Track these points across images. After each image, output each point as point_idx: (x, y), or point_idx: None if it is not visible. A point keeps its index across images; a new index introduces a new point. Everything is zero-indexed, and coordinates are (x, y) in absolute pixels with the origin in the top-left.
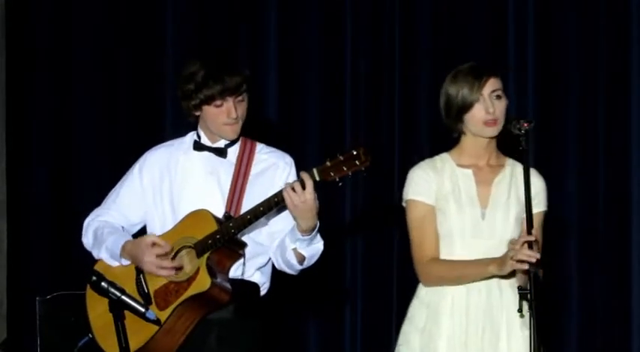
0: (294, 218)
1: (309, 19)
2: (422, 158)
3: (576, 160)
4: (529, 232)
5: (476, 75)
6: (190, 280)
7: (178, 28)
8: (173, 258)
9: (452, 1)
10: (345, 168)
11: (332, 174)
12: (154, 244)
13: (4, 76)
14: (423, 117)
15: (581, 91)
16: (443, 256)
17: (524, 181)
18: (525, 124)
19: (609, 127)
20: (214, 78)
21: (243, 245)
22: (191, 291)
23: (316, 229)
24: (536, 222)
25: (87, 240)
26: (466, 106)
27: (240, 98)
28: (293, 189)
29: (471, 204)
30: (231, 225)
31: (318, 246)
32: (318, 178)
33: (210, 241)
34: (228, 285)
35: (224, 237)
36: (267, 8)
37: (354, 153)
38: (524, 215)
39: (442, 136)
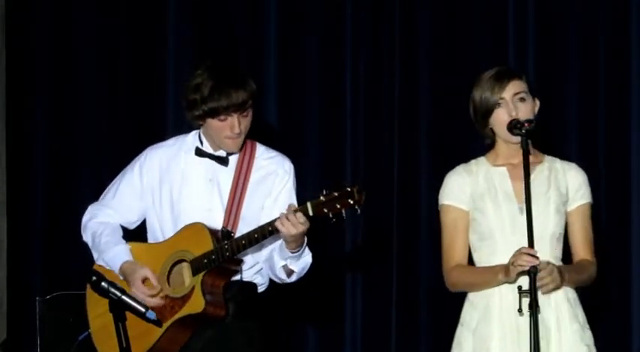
0: (285, 241)
1: (309, 20)
2: (422, 163)
3: (576, 160)
4: (530, 238)
5: (497, 78)
6: (185, 298)
7: (179, 27)
8: (170, 271)
9: (452, 2)
10: (338, 206)
11: (325, 210)
12: (145, 279)
13: (4, 76)
14: (423, 116)
15: (581, 91)
16: (487, 257)
17: (524, 181)
18: (526, 124)
19: (609, 127)
20: (220, 92)
21: (239, 262)
22: (185, 311)
23: (304, 244)
24: (582, 214)
25: (86, 239)
26: (488, 109)
27: (245, 113)
28: (287, 219)
29: (507, 201)
30: (226, 247)
31: (306, 259)
32: (311, 213)
33: (205, 260)
34: (223, 300)
35: (219, 259)
36: (267, 8)
37: (348, 190)
38: (567, 208)
39: (442, 139)
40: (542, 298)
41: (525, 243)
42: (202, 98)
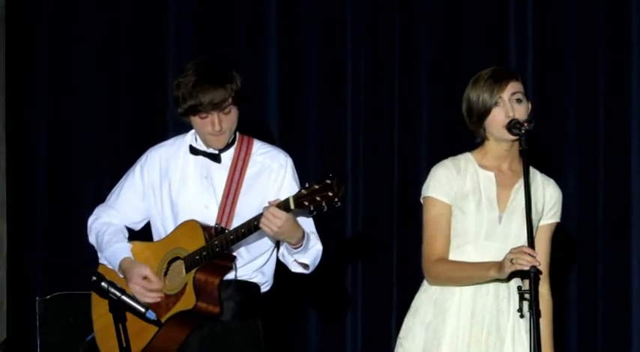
0: (275, 239)
1: (309, 18)
2: (422, 163)
3: (576, 161)
4: (530, 238)
5: (496, 78)
6: (179, 295)
7: (179, 27)
8: (167, 268)
9: (452, 2)
10: (318, 199)
11: (306, 203)
12: (145, 277)
13: (4, 76)
14: (423, 114)
15: (581, 91)
16: (454, 254)
17: (524, 182)
18: (525, 125)
19: (609, 127)
20: (199, 89)
21: (232, 259)
22: (178, 308)
23: (305, 237)
24: (549, 233)
25: (91, 240)
26: (486, 110)
27: (225, 111)
28: (268, 219)
29: (489, 207)
30: (216, 243)
31: (316, 248)
32: (292, 206)
33: (197, 257)
34: (217, 297)
35: (209, 255)
36: (268, 8)
37: (328, 182)
38: (540, 223)
39: (442, 139)
40: (501, 307)
41: (495, 252)
42: (183, 95)
